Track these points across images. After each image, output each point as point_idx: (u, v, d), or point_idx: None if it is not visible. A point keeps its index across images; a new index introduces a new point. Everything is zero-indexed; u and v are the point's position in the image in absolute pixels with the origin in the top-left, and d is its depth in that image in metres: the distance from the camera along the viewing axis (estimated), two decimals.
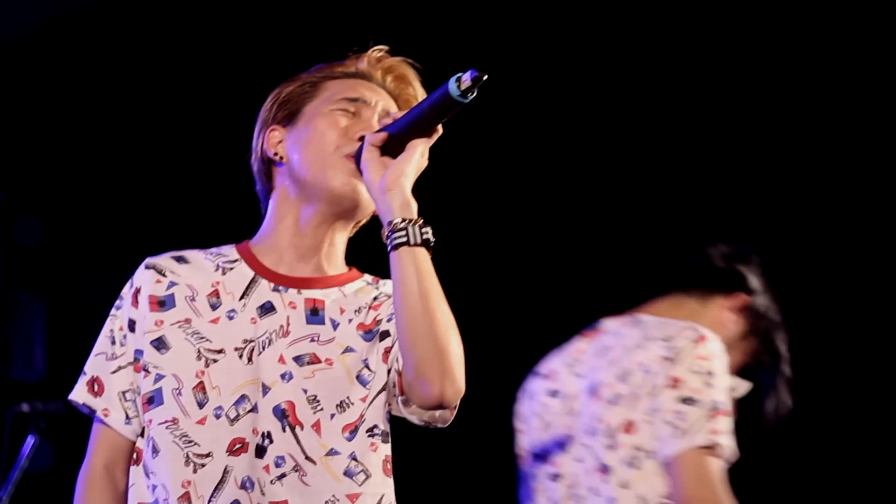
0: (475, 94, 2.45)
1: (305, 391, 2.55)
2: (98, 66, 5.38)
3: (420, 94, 2.78)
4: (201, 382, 2.55)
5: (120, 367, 2.64)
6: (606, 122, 5.43)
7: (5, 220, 6.05)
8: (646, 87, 5.27)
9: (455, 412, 2.53)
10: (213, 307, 2.63)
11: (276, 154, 2.73)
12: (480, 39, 5.06)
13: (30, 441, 4.63)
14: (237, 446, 2.51)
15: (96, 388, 2.64)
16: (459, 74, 2.44)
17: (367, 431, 2.56)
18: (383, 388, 2.57)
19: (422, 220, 2.49)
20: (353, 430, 2.55)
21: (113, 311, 2.69)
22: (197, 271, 2.68)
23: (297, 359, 2.57)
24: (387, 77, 2.78)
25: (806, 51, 4.97)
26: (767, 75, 5.08)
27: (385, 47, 2.81)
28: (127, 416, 2.62)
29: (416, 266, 2.46)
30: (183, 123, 5.59)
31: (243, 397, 2.54)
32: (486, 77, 2.42)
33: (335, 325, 2.62)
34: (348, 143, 2.64)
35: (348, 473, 2.53)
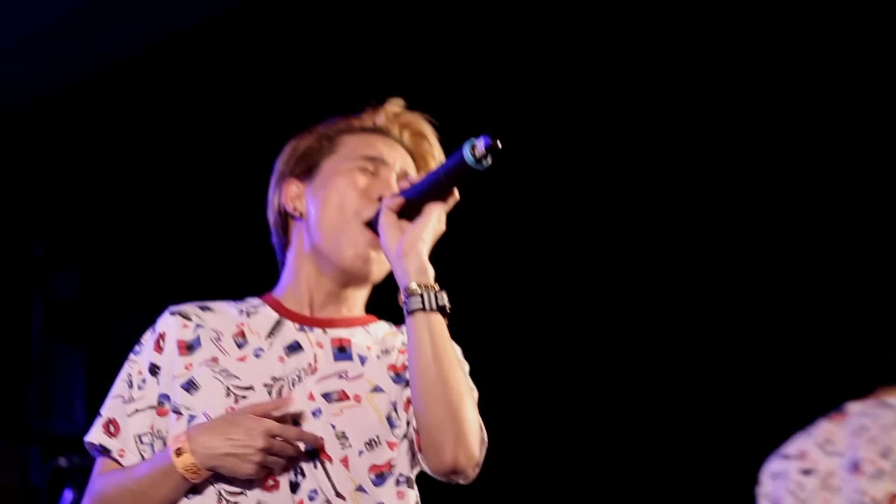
0: (491, 161, 2.45)
1: (334, 427, 2.54)
2: (134, 120, 5.41)
3: (437, 150, 2.79)
4: None
5: (137, 411, 2.62)
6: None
7: (44, 273, 6.08)
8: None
9: (477, 471, 2.52)
10: (240, 346, 2.63)
11: (294, 208, 2.74)
12: (495, 96, 5.05)
13: (67, 496, 4.63)
14: (270, 483, 2.49)
15: (112, 429, 2.62)
16: (473, 142, 2.45)
17: (395, 481, 2.55)
18: (405, 437, 2.57)
19: (438, 286, 2.50)
20: (380, 476, 2.54)
21: (131, 356, 2.69)
22: (221, 316, 2.68)
23: (326, 395, 2.57)
24: (404, 132, 2.78)
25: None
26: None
27: (401, 101, 2.82)
28: (143, 459, 2.59)
29: (430, 332, 2.47)
30: (218, 176, 5.60)
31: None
32: (500, 144, 2.43)
33: (363, 361, 2.62)
34: (368, 204, 2.65)
35: None
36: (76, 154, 5.65)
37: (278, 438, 2.44)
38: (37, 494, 5.88)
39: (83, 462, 4.67)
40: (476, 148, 2.43)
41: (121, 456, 2.60)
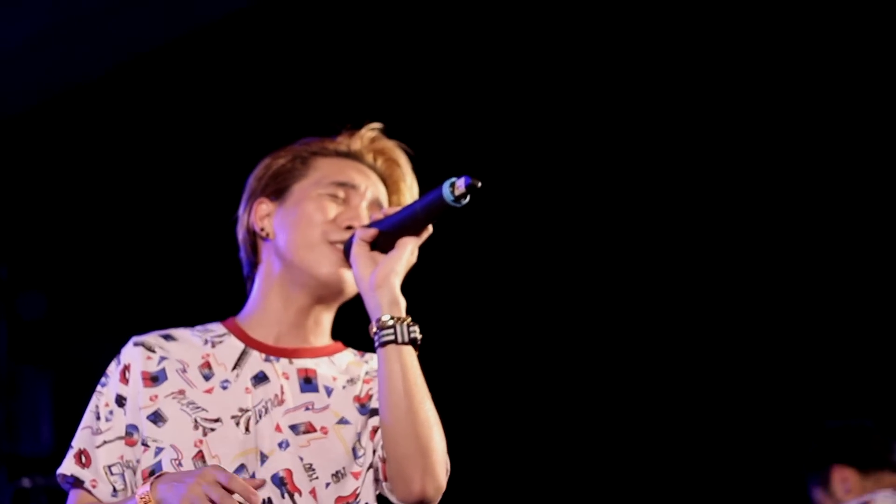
0: (468, 199, 2.48)
1: (302, 459, 2.56)
2: (97, 142, 5.42)
3: (409, 177, 2.80)
4: (200, 451, 2.55)
5: (105, 442, 2.63)
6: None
7: (10, 295, 6.07)
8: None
9: (438, 499, 2.53)
10: (206, 378, 2.64)
11: (262, 229, 2.75)
12: (473, 127, 5.08)
13: None
14: None
15: (84, 459, 2.63)
16: (454, 180, 2.47)
17: None
18: (371, 467, 2.59)
19: (410, 319, 2.53)
20: None
21: (98, 387, 2.69)
22: (185, 346, 2.69)
23: (293, 427, 2.59)
24: (378, 159, 2.80)
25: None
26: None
27: (378, 125, 2.83)
28: (114, 490, 2.61)
29: (401, 364, 2.50)
30: (184, 197, 5.62)
31: (242, 466, 2.54)
32: (480, 185, 2.46)
33: (329, 392, 2.64)
34: (335, 230, 2.67)
35: None
36: (40, 176, 5.65)
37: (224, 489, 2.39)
38: None
39: (47, 483, 4.68)
40: (456, 186, 2.46)
41: (93, 486, 2.61)
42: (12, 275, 6.07)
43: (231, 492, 2.36)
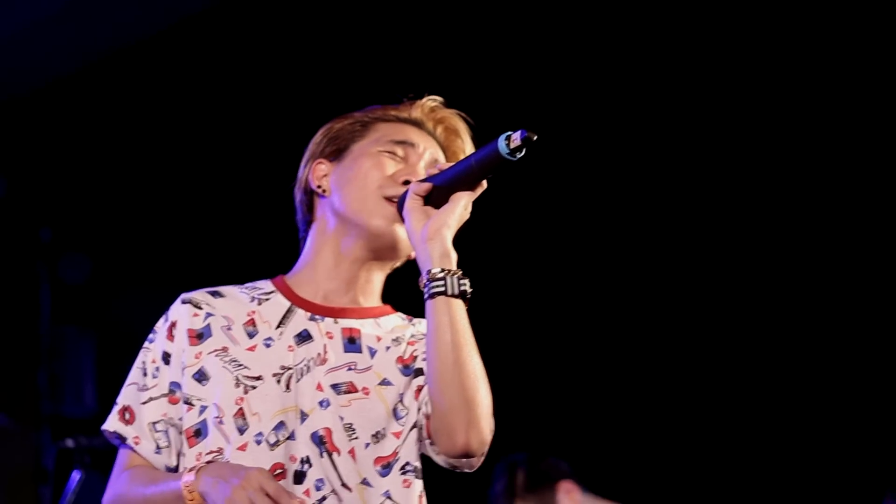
0: (524, 153, 2.47)
1: (342, 418, 2.56)
2: (142, 104, 5.42)
3: (469, 147, 2.79)
4: (241, 409, 2.56)
5: (151, 399, 2.65)
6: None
7: (53, 258, 6.11)
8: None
9: (483, 458, 2.54)
10: (250, 335, 2.65)
11: (319, 186, 2.75)
12: (533, 96, 5.05)
13: (75, 476, 4.66)
14: (278, 471, 2.52)
15: (128, 416, 2.66)
16: (509, 133, 2.46)
17: (400, 469, 2.58)
18: (414, 426, 2.59)
19: (461, 272, 2.52)
20: (386, 466, 2.57)
21: (146, 343, 2.71)
22: (232, 303, 2.70)
23: (335, 387, 2.59)
24: (438, 127, 2.80)
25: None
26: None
27: (440, 98, 2.83)
28: (157, 447, 2.63)
29: (450, 316, 2.49)
30: (230, 158, 5.62)
31: (281, 424, 2.55)
32: (535, 138, 2.45)
33: (372, 353, 2.64)
34: (392, 185, 2.67)
35: None
36: (83, 139, 5.67)
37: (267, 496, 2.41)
38: (47, 476, 5.92)
39: (90, 443, 4.71)
40: (512, 139, 2.45)
41: (136, 443, 2.63)
42: (55, 237, 6.10)
43: (275, 501, 2.38)
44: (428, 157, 2.73)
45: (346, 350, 2.63)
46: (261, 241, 5.42)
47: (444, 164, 2.69)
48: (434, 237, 2.53)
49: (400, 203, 2.63)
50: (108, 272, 6.19)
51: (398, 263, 2.78)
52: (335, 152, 2.76)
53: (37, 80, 5.33)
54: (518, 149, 2.46)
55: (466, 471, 2.57)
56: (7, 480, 5.96)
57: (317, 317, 2.67)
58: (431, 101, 2.82)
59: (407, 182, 2.65)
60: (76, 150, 5.75)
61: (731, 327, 5.56)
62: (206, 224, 5.96)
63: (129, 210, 6.03)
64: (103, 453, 4.68)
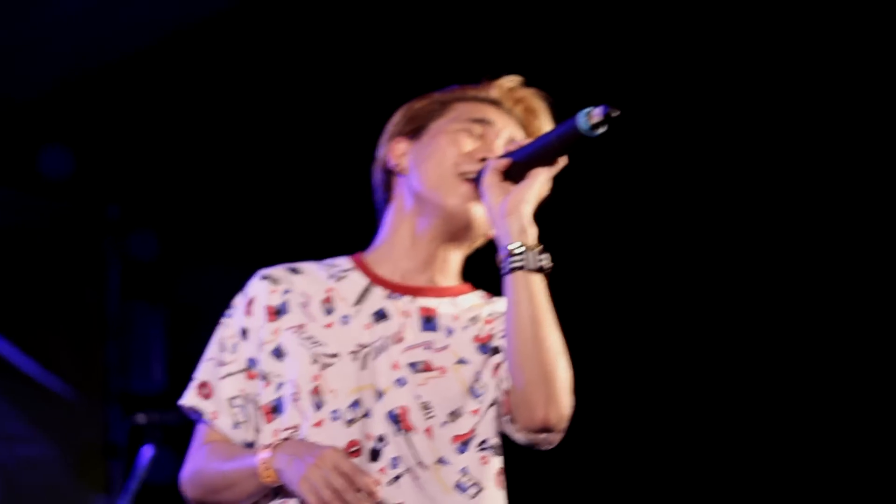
0: (605, 129, 2.45)
1: (419, 397, 2.56)
2: (210, 79, 5.41)
3: (548, 126, 2.77)
4: (317, 386, 2.56)
5: (229, 374, 2.65)
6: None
7: (121, 235, 6.13)
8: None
9: (562, 435, 2.53)
10: (328, 312, 2.64)
11: (397, 165, 2.75)
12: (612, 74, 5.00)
13: (147, 452, 4.68)
14: (353, 448, 2.51)
15: (205, 391, 2.66)
16: (590, 109, 2.45)
17: (478, 446, 2.56)
18: (493, 403, 2.57)
19: (540, 247, 2.51)
20: (463, 443, 2.55)
21: (224, 318, 2.72)
22: (310, 280, 2.70)
23: (412, 365, 2.58)
24: (517, 106, 2.79)
25: None
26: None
27: (519, 78, 2.81)
28: (235, 422, 2.64)
29: (529, 291, 2.48)
30: (302, 132, 5.61)
31: (357, 402, 2.55)
32: (616, 114, 2.43)
33: (449, 333, 2.63)
34: (469, 162, 2.66)
35: (460, 486, 2.53)
36: (152, 114, 5.67)
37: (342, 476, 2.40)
38: (117, 452, 5.96)
39: (162, 419, 4.72)
40: (592, 115, 2.43)
41: (214, 418, 2.64)
42: (124, 213, 6.13)
43: (352, 483, 2.38)
44: (506, 135, 2.72)
45: (423, 329, 2.63)
46: (331, 218, 5.43)
47: (521, 140, 2.68)
48: (513, 212, 2.52)
49: (477, 179, 2.62)
50: (177, 248, 6.21)
51: (477, 243, 2.77)
52: (413, 131, 2.76)
53: (105, 56, 5.33)
54: (599, 125, 2.45)
55: (545, 448, 2.56)
56: (76, 456, 5.99)
57: (394, 295, 2.66)
58: (510, 80, 2.81)
59: (484, 159, 2.64)
60: (145, 126, 5.75)
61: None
62: (277, 199, 5.96)
63: (199, 186, 6.03)
64: (175, 429, 4.70)
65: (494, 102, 2.77)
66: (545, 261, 2.50)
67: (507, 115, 2.76)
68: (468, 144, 2.69)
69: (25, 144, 5.78)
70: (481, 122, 2.71)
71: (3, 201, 5.95)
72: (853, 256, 5.20)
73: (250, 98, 5.47)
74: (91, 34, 5.18)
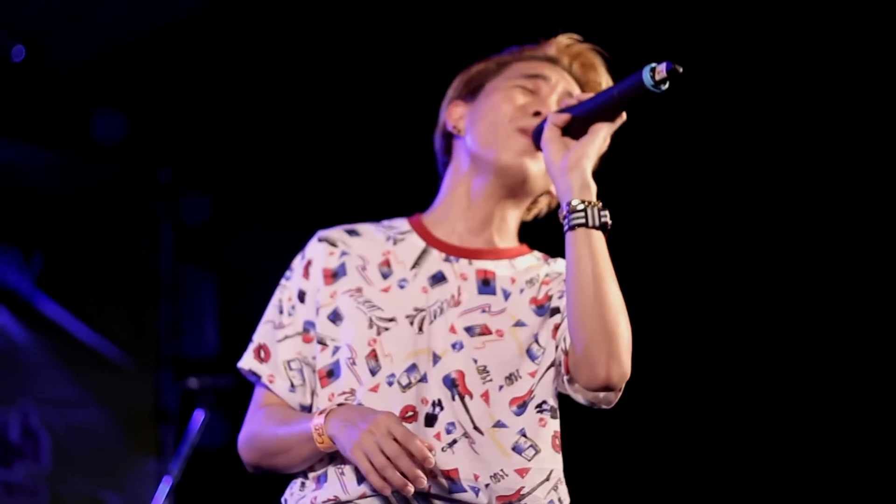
0: (668, 85, 2.42)
1: (476, 361, 2.53)
2: (260, 44, 5.39)
3: (605, 82, 2.78)
4: (374, 351, 2.55)
5: (287, 337, 2.65)
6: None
7: (173, 198, 6.14)
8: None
9: (620, 394, 2.50)
10: (385, 276, 2.64)
11: (454, 127, 2.75)
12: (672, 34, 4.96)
13: (199, 416, 4.68)
14: (409, 413, 2.49)
15: (262, 354, 2.66)
16: (654, 65, 2.42)
17: (536, 407, 2.54)
18: (552, 365, 2.55)
19: (601, 204, 2.48)
20: (521, 405, 2.53)
21: (283, 281, 2.71)
22: (368, 242, 2.69)
23: (469, 329, 2.56)
24: (574, 63, 2.79)
25: None
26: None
27: (576, 35, 2.81)
28: (292, 385, 2.63)
29: (590, 248, 2.44)
30: (351, 96, 5.59)
31: (413, 366, 2.53)
32: (681, 70, 2.39)
33: (506, 296, 2.61)
34: (523, 117, 2.65)
35: (517, 449, 2.50)
36: (203, 79, 5.66)
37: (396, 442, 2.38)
38: (168, 416, 5.97)
39: (213, 383, 4.72)
40: (657, 71, 2.40)
41: (270, 381, 2.64)
42: (176, 177, 6.13)
43: (405, 449, 2.36)
44: (560, 89, 2.72)
45: (481, 292, 2.61)
46: (383, 181, 5.40)
47: (581, 94, 2.65)
48: (574, 168, 2.49)
49: (536, 134, 2.61)
50: (229, 212, 6.21)
51: (537, 206, 2.77)
52: (470, 92, 2.77)
53: (159, 19, 5.32)
54: (663, 80, 2.41)
55: (604, 407, 2.53)
56: (128, 421, 6.01)
57: (451, 258, 2.65)
58: (567, 37, 2.81)
59: (537, 113, 2.64)
60: (196, 90, 5.75)
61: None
62: (328, 163, 5.95)
63: (250, 150, 6.03)
64: (226, 393, 4.70)
65: (551, 60, 2.76)
66: (606, 217, 2.46)
67: (563, 71, 2.75)
68: (521, 99, 2.68)
69: (78, 109, 5.79)
70: (535, 77, 2.71)
71: (56, 165, 5.96)
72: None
73: (303, 61, 5.44)
74: (137, 1, 5.17)
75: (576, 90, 2.74)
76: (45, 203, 5.87)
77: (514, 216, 2.73)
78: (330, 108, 5.68)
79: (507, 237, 2.72)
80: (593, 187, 2.49)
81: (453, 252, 2.66)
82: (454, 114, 2.77)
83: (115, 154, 5.94)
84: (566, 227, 2.46)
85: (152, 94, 5.77)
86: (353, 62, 5.36)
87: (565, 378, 2.51)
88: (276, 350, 2.65)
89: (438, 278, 2.62)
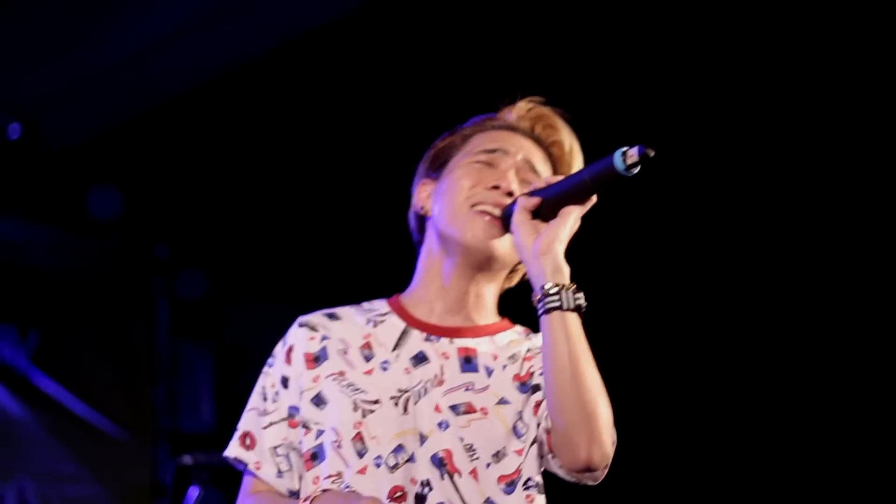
0: (639, 169, 2.43)
1: (462, 440, 2.53)
2: (257, 120, 5.44)
3: (568, 140, 2.77)
4: (359, 433, 2.54)
5: (272, 423, 2.64)
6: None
7: (170, 274, 6.15)
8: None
9: (606, 470, 2.49)
10: (367, 359, 2.63)
11: (422, 208, 2.75)
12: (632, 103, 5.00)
13: (193, 493, 4.69)
14: (398, 494, 2.49)
15: (248, 442, 2.65)
16: (626, 148, 2.42)
17: (523, 485, 2.54)
18: (535, 442, 2.55)
19: (574, 286, 2.48)
20: (510, 484, 2.53)
21: (265, 368, 2.71)
22: (348, 325, 2.69)
23: (454, 408, 2.56)
24: (536, 126, 2.78)
25: None
26: None
27: (537, 98, 2.81)
28: (279, 471, 2.62)
29: (566, 331, 2.45)
30: (343, 175, 5.63)
31: (400, 447, 2.53)
32: (653, 154, 2.41)
33: (489, 373, 2.61)
34: (479, 192, 2.65)
35: None
36: (200, 156, 5.70)
37: None
38: (165, 491, 5.96)
39: (208, 460, 4.72)
40: (629, 155, 2.41)
41: (257, 468, 2.63)
42: (173, 253, 6.15)
43: None
44: (520, 158, 2.70)
45: (463, 370, 2.61)
46: (375, 257, 5.42)
47: (550, 178, 2.64)
48: (546, 252, 2.49)
49: (506, 217, 2.60)
50: (225, 288, 6.23)
51: (513, 282, 2.77)
52: (436, 169, 2.76)
53: (155, 98, 5.37)
54: (634, 164, 2.42)
55: (590, 483, 2.52)
56: (125, 496, 6.00)
57: (432, 337, 2.65)
58: (527, 101, 2.80)
59: (496, 187, 2.63)
60: (193, 167, 5.78)
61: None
62: (323, 239, 5.97)
63: (246, 226, 6.06)
64: (221, 470, 4.70)
65: (511, 128, 2.76)
66: (581, 300, 2.47)
67: (524, 137, 2.75)
68: (479, 175, 2.67)
69: (76, 186, 5.83)
70: (493, 151, 2.70)
71: (54, 242, 5.99)
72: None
73: (298, 139, 5.49)
74: (138, 77, 5.21)
75: (537, 155, 2.73)
76: (41, 280, 5.90)
77: (490, 291, 2.72)
78: (325, 183, 5.71)
79: (486, 313, 2.71)
80: (566, 270, 2.49)
81: (433, 331, 2.65)
82: (422, 192, 2.76)
83: (111, 231, 5.96)
84: (540, 311, 2.47)
85: (148, 171, 5.81)
86: (348, 136, 5.40)
87: (549, 456, 2.51)
88: (262, 437, 2.64)
89: (420, 358, 2.62)
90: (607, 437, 2.44)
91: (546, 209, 2.55)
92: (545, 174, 2.71)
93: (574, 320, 2.46)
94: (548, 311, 2.46)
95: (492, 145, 2.71)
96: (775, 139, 5.16)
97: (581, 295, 2.47)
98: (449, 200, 2.66)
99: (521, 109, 2.79)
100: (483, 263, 2.66)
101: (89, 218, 5.83)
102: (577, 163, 2.76)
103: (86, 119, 5.49)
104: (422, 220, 2.77)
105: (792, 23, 4.78)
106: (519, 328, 2.74)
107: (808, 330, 5.32)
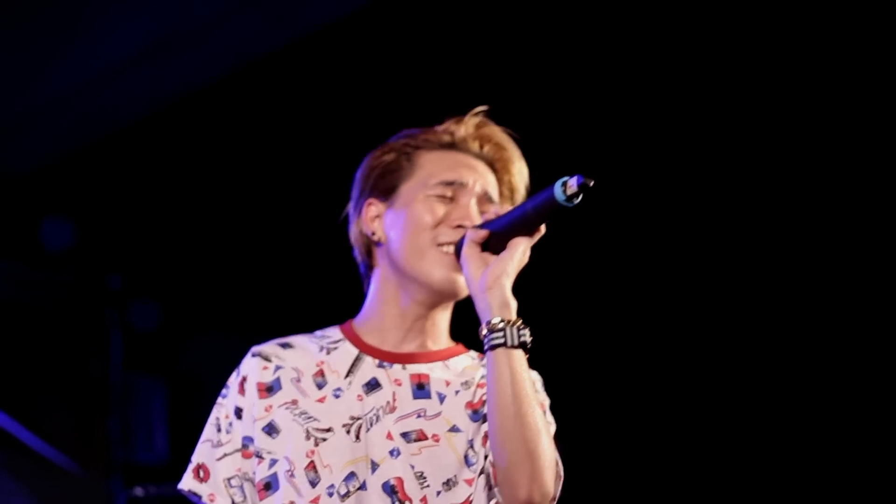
0: (581, 199, 2.43)
1: (413, 467, 2.54)
2: (208, 150, 5.43)
3: (517, 161, 2.77)
4: (312, 462, 2.54)
5: (225, 455, 2.64)
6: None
7: (122, 305, 6.12)
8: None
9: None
10: (319, 386, 2.63)
11: (373, 233, 2.73)
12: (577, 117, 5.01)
13: None
14: None
15: (202, 474, 2.64)
16: (566, 179, 2.43)
17: None
18: (482, 472, 2.55)
19: (520, 321, 2.48)
20: None
21: (219, 399, 2.70)
22: (302, 354, 2.68)
23: (405, 435, 2.56)
24: (485, 146, 2.76)
25: None
26: None
27: (483, 108, 2.78)
28: (233, 502, 2.62)
29: (510, 368, 2.45)
30: (298, 202, 5.62)
31: (352, 474, 2.53)
32: (592, 184, 2.41)
33: (442, 399, 2.61)
34: (445, 231, 2.65)
35: None
36: (152, 186, 5.69)
37: None
38: None
39: (159, 492, 4.70)
40: (568, 186, 2.42)
41: (211, 500, 2.62)
42: (125, 284, 6.12)
43: None
44: (479, 189, 2.70)
45: (416, 396, 2.61)
46: (330, 286, 5.41)
47: (499, 209, 2.65)
48: (493, 286, 2.50)
49: (457, 249, 2.61)
50: (178, 319, 6.20)
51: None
52: (384, 192, 2.73)
53: (104, 128, 5.36)
54: (575, 195, 2.43)
55: None
56: None
57: (385, 364, 2.65)
58: (474, 116, 2.78)
59: (460, 227, 2.63)
60: (145, 197, 5.77)
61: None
62: (275, 270, 5.96)
63: (199, 256, 6.03)
64: (174, 502, 4.67)
65: (459, 147, 2.74)
66: (525, 336, 2.46)
67: (476, 160, 2.73)
68: (441, 210, 2.66)
69: (26, 217, 5.79)
70: (451, 184, 2.68)
71: (4, 273, 5.94)
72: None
73: (249, 168, 5.48)
74: (89, 107, 5.20)
75: (491, 182, 2.72)
76: None
77: (444, 318, 2.73)
78: (277, 213, 5.70)
79: (440, 338, 2.71)
80: (513, 305, 2.49)
81: (386, 358, 2.65)
82: (370, 213, 2.73)
83: (63, 262, 5.93)
84: (486, 347, 2.47)
85: (101, 202, 5.78)
86: (296, 166, 5.40)
87: (495, 489, 2.50)
88: (216, 468, 2.62)
89: (373, 385, 2.62)
90: (548, 476, 2.43)
91: (495, 241, 2.55)
92: (498, 199, 2.70)
93: (519, 357, 2.46)
94: (492, 347, 2.46)
95: (449, 176, 2.69)
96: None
97: (527, 331, 2.47)
98: (411, 236, 2.65)
99: (468, 126, 2.76)
100: (445, 298, 2.67)
101: (41, 249, 5.80)
102: (522, 185, 2.77)
103: (37, 150, 5.47)
104: (368, 241, 2.75)
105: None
106: (473, 353, 2.73)
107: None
